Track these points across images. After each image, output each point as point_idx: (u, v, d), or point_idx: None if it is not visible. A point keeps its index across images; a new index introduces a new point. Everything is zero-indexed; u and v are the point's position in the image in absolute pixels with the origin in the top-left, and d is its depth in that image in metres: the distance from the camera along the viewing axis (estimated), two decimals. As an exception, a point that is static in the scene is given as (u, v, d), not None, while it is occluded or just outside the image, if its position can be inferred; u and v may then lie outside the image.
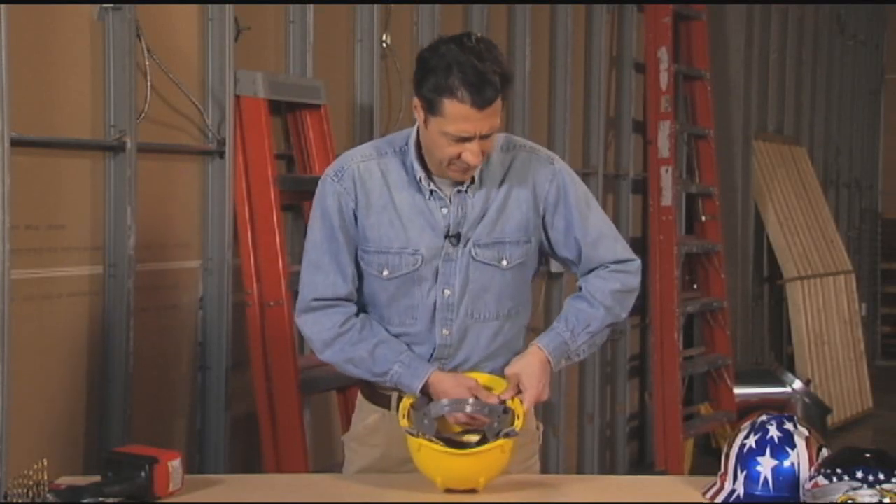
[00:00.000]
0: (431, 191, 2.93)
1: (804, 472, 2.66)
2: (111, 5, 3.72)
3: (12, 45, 3.33)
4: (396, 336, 2.97)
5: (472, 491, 2.82)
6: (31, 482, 2.60)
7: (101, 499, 2.65)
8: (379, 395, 3.04)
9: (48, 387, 3.61)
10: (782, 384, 8.38)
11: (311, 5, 4.63)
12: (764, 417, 2.75)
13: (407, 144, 2.96)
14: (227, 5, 4.17)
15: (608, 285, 3.03)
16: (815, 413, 8.28)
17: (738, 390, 7.86)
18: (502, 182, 2.97)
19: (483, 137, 2.82)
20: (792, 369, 8.89)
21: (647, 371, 7.55)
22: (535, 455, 3.12)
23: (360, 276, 3.00)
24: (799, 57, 10.07)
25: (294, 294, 3.11)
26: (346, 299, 2.98)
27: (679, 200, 7.58)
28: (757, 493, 2.69)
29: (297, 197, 4.49)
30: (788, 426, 2.72)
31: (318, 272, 2.97)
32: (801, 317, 9.06)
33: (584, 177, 6.74)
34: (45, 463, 2.63)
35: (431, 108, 2.81)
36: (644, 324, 7.52)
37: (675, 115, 7.32)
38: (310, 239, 3.00)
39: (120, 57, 3.75)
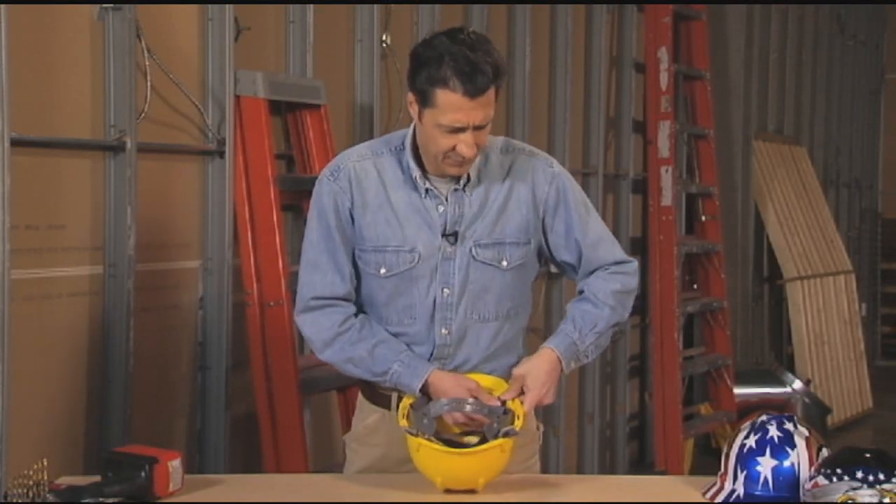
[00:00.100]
0: (427, 189, 2.94)
1: (804, 472, 2.66)
2: (111, 5, 3.72)
3: (12, 45, 3.33)
4: (395, 336, 2.97)
5: (472, 491, 2.82)
6: (31, 482, 2.60)
7: (101, 499, 2.65)
8: (379, 395, 3.04)
9: (48, 387, 3.61)
10: (782, 384, 8.38)
11: (311, 5, 4.63)
12: (764, 417, 2.75)
13: (403, 144, 2.97)
14: (227, 5, 4.18)
15: (609, 286, 3.03)
16: (815, 413, 8.28)
17: (738, 390, 7.86)
18: (502, 183, 2.98)
19: (477, 129, 2.83)
20: (792, 369, 8.89)
21: (647, 371, 7.55)
22: (535, 455, 3.12)
23: (357, 276, 3.00)
24: (799, 57, 10.07)
25: (294, 294, 3.11)
26: (345, 299, 2.99)
27: (679, 200, 7.58)
28: (757, 493, 2.69)
29: (297, 197, 4.50)
30: (788, 426, 2.72)
31: (316, 271, 2.98)
32: (801, 317, 9.06)
33: (584, 177, 6.76)
34: (45, 463, 2.63)
35: (425, 100, 2.82)
36: (644, 324, 7.52)
37: (675, 115, 7.32)
38: (307, 239, 3.01)
39: (120, 57, 3.75)
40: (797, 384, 8.40)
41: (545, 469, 3.80)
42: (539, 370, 2.94)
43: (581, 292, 3.06)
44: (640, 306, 7.39)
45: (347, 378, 3.14)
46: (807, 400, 8.35)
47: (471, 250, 2.95)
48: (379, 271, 2.96)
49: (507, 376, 2.99)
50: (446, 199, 2.95)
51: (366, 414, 3.09)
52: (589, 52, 6.91)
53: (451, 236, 2.94)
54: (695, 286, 7.87)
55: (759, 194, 9.00)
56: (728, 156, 8.45)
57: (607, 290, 3.03)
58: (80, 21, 3.69)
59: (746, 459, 2.71)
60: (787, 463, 2.68)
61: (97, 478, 2.76)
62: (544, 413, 6.07)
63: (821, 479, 2.56)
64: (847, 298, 9.87)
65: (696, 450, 7.66)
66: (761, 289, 9.37)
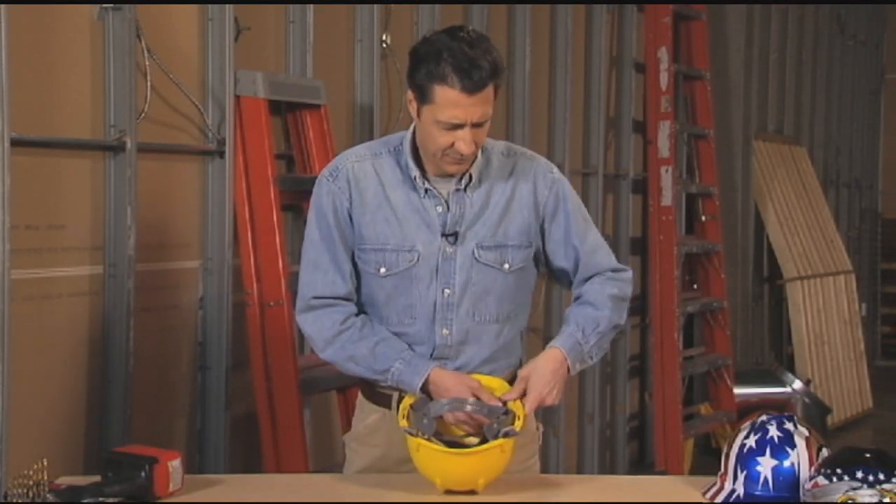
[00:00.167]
0: (426, 189, 2.95)
1: (804, 472, 2.66)
2: (111, 5, 3.72)
3: (12, 45, 3.33)
4: (395, 336, 2.97)
5: (472, 492, 2.81)
6: (31, 482, 2.60)
7: (101, 499, 2.65)
8: (379, 394, 3.04)
9: (48, 387, 3.61)
10: (782, 384, 8.38)
11: (311, 5, 4.63)
12: (764, 417, 2.75)
13: (402, 144, 2.98)
14: (227, 5, 4.17)
15: (607, 290, 3.04)
16: (815, 413, 8.28)
17: (738, 390, 7.86)
18: (505, 185, 2.99)
19: (475, 126, 2.83)
20: (792, 369, 8.89)
21: (647, 371, 7.55)
22: (535, 455, 3.12)
23: (357, 276, 3.01)
24: (799, 57, 10.07)
25: (294, 294, 3.11)
26: (346, 298, 2.99)
27: (679, 200, 7.58)
28: (757, 493, 2.69)
29: (297, 197, 4.49)
30: (788, 426, 2.72)
31: (316, 271, 2.99)
32: (801, 317, 9.06)
33: (584, 177, 6.77)
34: (45, 463, 2.63)
35: (423, 97, 2.82)
36: (644, 324, 7.52)
37: (675, 115, 7.33)
38: (308, 239, 3.02)
39: (120, 57, 3.75)
40: (797, 384, 8.40)
41: (545, 469, 3.81)
42: (544, 370, 2.94)
43: (578, 298, 3.07)
44: (640, 306, 7.39)
45: (347, 378, 3.14)
46: (807, 400, 8.35)
47: (473, 252, 2.95)
48: (379, 271, 2.97)
49: (506, 378, 2.99)
50: (446, 200, 2.95)
51: (366, 414, 3.09)
52: (589, 52, 6.91)
53: (451, 236, 2.95)
54: (695, 286, 7.87)
55: (759, 194, 9.00)
56: (728, 156, 8.45)
57: (605, 293, 3.03)
58: (80, 21, 3.69)
59: (746, 459, 2.71)
60: (787, 463, 2.68)
61: (97, 478, 2.76)
62: (544, 413, 6.06)
63: (821, 479, 2.56)
64: (847, 298, 9.87)
65: (696, 450, 7.66)
66: (761, 289, 9.37)
